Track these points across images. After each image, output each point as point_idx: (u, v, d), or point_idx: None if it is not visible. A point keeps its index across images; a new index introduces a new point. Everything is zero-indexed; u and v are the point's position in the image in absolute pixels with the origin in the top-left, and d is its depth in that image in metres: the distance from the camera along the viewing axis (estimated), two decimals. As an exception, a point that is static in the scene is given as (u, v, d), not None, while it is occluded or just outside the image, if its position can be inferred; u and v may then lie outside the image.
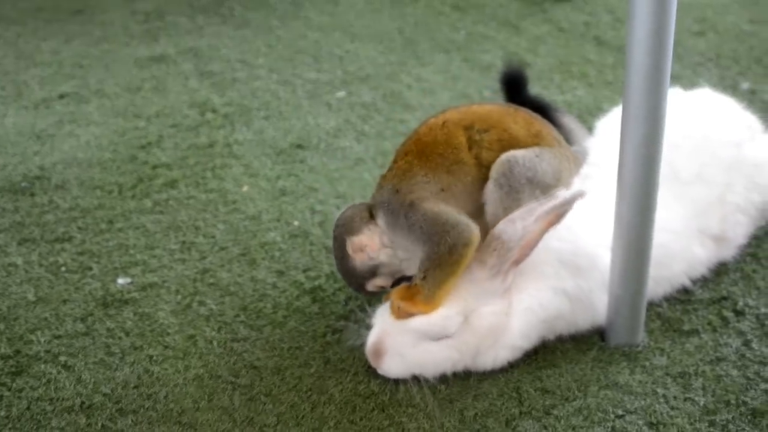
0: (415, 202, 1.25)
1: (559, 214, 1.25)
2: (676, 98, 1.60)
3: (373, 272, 1.32)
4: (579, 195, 1.25)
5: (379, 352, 1.28)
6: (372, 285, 1.34)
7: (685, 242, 1.45)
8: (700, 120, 1.55)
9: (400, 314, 1.26)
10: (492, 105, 1.36)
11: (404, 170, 1.28)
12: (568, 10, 2.85)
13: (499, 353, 1.31)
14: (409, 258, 1.30)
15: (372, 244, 1.30)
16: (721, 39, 2.53)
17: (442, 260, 1.22)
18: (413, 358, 1.28)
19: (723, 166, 1.49)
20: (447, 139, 1.27)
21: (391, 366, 1.29)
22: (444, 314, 1.25)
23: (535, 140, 1.30)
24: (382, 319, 1.30)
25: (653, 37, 1.15)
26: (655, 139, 1.21)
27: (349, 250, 1.31)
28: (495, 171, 1.27)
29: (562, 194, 1.25)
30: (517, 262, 1.27)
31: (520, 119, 1.32)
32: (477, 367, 1.32)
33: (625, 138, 1.23)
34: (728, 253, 1.53)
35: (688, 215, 1.45)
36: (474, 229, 1.22)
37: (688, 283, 1.49)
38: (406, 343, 1.27)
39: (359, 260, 1.31)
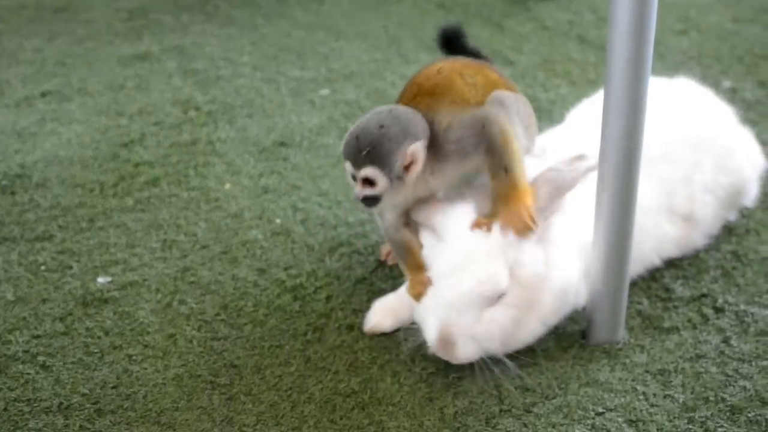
0: (451, 123, 1.28)
1: (587, 171, 1.29)
2: (653, 83, 1.61)
3: (395, 189, 1.24)
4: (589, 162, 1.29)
5: (448, 343, 1.25)
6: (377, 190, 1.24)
7: (655, 219, 1.46)
8: (673, 102, 1.56)
9: (507, 221, 1.25)
10: (464, 59, 1.42)
11: (426, 108, 1.29)
12: (552, 8, 2.86)
13: (531, 325, 1.31)
14: (428, 194, 1.31)
15: (419, 162, 1.25)
16: (703, 38, 2.54)
17: (504, 146, 1.25)
18: (483, 333, 1.26)
19: (691, 145, 1.50)
20: (448, 83, 1.32)
21: (467, 351, 1.26)
22: (491, 271, 1.24)
23: (508, 86, 1.38)
24: (432, 313, 1.28)
25: (634, 31, 1.15)
26: (635, 133, 1.21)
27: (405, 149, 1.22)
28: (489, 104, 1.32)
29: (593, 160, 1.28)
30: (554, 211, 1.29)
31: (492, 70, 1.40)
32: (512, 346, 1.31)
33: (606, 133, 1.23)
34: (697, 236, 1.54)
35: (656, 193, 1.45)
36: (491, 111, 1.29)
37: (658, 261, 1.50)
38: (469, 322, 1.25)
39: (399, 162, 1.22)
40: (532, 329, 1.31)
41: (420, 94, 1.32)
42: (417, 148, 1.23)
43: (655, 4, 1.15)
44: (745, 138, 1.64)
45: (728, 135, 1.57)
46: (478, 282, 1.23)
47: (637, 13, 1.14)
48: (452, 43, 1.52)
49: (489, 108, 1.30)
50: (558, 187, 1.28)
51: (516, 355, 1.32)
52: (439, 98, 1.30)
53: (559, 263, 1.30)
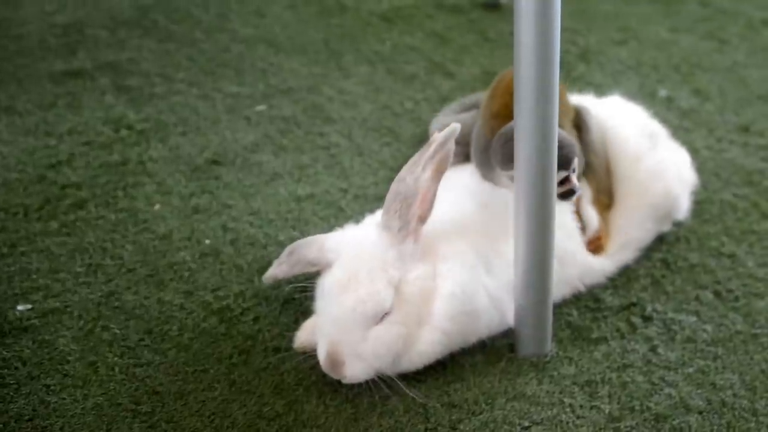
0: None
1: (442, 156, 1.27)
2: (585, 103, 1.62)
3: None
4: (453, 131, 1.27)
5: (336, 362, 1.25)
6: None
7: (579, 242, 1.47)
8: (602, 123, 1.57)
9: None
10: None
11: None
12: (495, 19, 2.87)
13: (427, 336, 1.29)
14: None
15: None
16: (642, 47, 2.56)
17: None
18: (370, 351, 1.25)
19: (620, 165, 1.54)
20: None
21: (355, 370, 1.25)
22: (371, 290, 1.24)
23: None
24: (322, 331, 1.27)
25: (539, 48, 1.15)
26: (548, 148, 1.21)
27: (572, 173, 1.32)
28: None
29: (438, 136, 1.27)
30: (422, 218, 1.28)
31: None
32: (413, 361, 1.30)
33: (519, 147, 1.23)
34: (628, 255, 1.55)
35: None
36: None
37: (582, 288, 1.50)
38: (355, 340, 1.24)
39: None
40: (431, 340, 1.30)
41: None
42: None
43: (557, 29, 1.15)
44: (675, 155, 1.65)
45: (658, 154, 1.57)
46: (359, 300, 1.23)
47: (541, 39, 1.14)
48: None
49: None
50: (405, 198, 1.26)
51: (442, 371, 1.31)
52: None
53: (449, 275, 1.29)
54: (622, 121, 1.60)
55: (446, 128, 1.28)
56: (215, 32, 2.80)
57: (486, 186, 1.43)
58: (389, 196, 1.28)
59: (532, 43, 1.13)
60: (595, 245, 1.48)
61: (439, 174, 1.28)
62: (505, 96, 1.38)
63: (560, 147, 1.25)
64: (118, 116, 2.18)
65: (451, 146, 1.27)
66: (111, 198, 1.81)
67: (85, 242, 1.67)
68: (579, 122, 1.49)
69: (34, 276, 1.57)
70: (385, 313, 1.25)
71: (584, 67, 2.41)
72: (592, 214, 1.48)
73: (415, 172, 1.26)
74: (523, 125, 1.19)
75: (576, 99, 1.65)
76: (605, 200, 1.51)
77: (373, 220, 1.37)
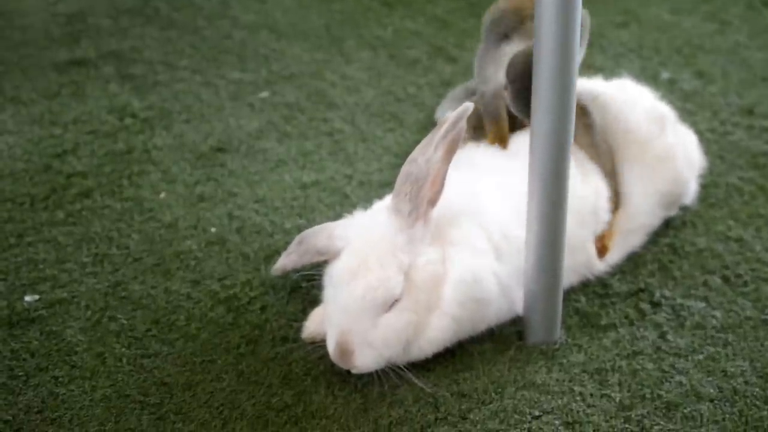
0: None
1: (453, 137, 1.26)
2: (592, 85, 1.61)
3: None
4: (466, 110, 1.26)
5: (346, 352, 1.23)
6: None
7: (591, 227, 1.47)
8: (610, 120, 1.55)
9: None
10: None
11: None
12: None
13: (437, 322, 1.28)
14: None
15: None
16: (643, 30, 2.54)
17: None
18: (380, 340, 1.24)
19: (629, 149, 1.53)
20: None
21: (365, 359, 1.24)
22: (382, 276, 1.22)
23: None
24: (330, 320, 1.26)
25: (560, 30, 1.14)
26: (564, 130, 1.20)
27: None
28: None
29: (450, 116, 1.26)
30: (432, 200, 1.27)
31: None
32: (423, 349, 1.29)
33: (535, 131, 1.22)
34: (636, 240, 1.55)
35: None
36: None
37: (590, 275, 1.49)
38: (365, 329, 1.23)
39: None
40: (441, 327, 1.29)
41: None
42: None
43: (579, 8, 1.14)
44: (684, 139, 1.63)
45: (667, 139, 1.56)
46: (369, 287, 1.22)
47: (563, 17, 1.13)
48: None
49: None
50: (416, 180, 1.25)
51: (451, 359, 1.31)
52: None
53: (458, 260, 1.28)
54: (630, 105, 1.58)
55: (458, 110, 1.26)
56: (217, 19, 2.78)
57: (497, 168, 1.42)
58: (400, 178, 1.26)
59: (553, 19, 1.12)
60: (600, 245, 1.47)
61: (450, 155, 1.26)
62: None
63: None
64: (123, 104, 2.17)
65: (463, 126, 1.26)
66: (116, 187, 1.81)
67: (91, 232, 1.67)
68: (583, 121, 1.48)
69: (41, 266, 1.57)
70: (395, 300, 1.24)
71: (586, 51, 2.38)
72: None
73: (426, 152, 1.25)
74: (540, 107, 1.18)
75: (585, 83, 1.63)
76: (611, 202, 1.49)
77: (382, 206, 1.36)
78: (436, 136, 1.25)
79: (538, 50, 1.16)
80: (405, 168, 1.26)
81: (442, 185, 1.27)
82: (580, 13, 1.14)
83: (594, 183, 1.47)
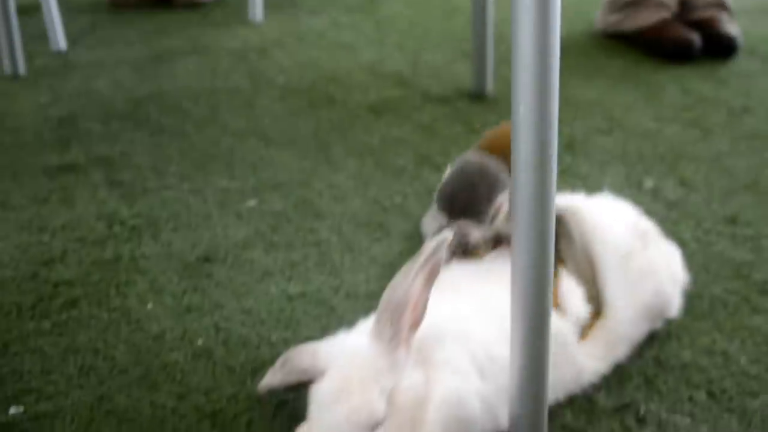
0: None
1: (433, 264, 1.28)
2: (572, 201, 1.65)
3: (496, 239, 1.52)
4: (443, 241, 1.29)
5: None
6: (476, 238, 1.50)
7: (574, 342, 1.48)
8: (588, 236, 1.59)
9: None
10: None
11: None
12: (481, 110, 2.94)
13: None
14: None
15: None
16: (627, 136, 2.63)
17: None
18: None
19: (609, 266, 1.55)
20: None
21: None
22: (366, 398, 1.22)
23: None
24: None
25: (538, 153, 1.18)
26: (544, 254, 1.23)
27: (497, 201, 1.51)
28: None
29: (429, 245, 1.28)
30: (414, 326, 1.29)
31: None
32: None
33: (516, 257, 1.25)
34: (621, 352, 1.57)
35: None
36: None
37: (577, 390, 1.50)
38: None
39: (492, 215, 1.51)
40: None
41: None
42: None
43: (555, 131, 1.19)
44: (666, 254, 1.68)
45: (649, 254, 1.60)
46: (353, 411, 1.22)
47: (539, 135, 1.18)
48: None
49: None
50: (396, 308, 1.27)
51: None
52: None
53: (441, 381, 1.30)
54: (611, 220, 1.63)
55: (438, 239, 1.29)
56: (206, 125, 2.86)
57: (480, 288, 1.45)
58: (381, 306, 1.29)
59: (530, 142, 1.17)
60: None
61: (430, 281, 1.29)
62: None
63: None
64: (111, 211, 2.20)
65: (442, 255, 1.29)
66: (104, 296, 1.81)
67: (77, 342, 1.66)
68: (561, 232, 1.51)
69: (27, 378, 1.56)
70: (378, 423, 1.24)
71: (571, 158, 2.46)
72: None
73: (406, 281, 1.28)
74: (521, 231, 1.21)
75: (567, 198, 1.68)
76: (593, 309, 1.52)
77: (366, 326, 1.37)
78: (416, 264, 1.28)
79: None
80: (386, 294, 1.28)
81: (423, 310, 1.29)
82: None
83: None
